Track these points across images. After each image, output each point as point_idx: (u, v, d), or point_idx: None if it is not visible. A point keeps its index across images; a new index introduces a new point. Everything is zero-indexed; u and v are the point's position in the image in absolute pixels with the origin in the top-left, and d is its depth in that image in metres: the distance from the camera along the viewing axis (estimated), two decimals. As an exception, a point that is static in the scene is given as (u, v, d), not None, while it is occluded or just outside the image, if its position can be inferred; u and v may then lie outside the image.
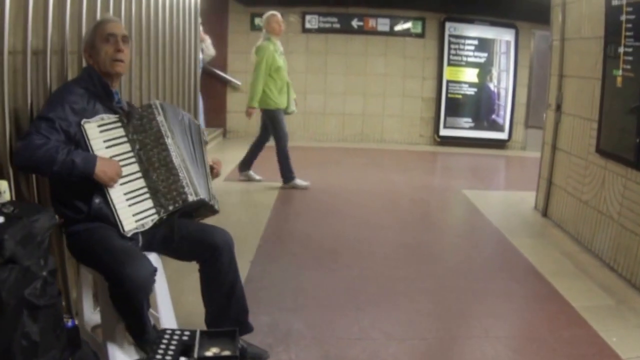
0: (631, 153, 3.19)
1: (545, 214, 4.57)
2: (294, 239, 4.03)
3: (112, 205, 2.01)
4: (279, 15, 5.23)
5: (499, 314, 2.97)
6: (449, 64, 8.10)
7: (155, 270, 1.91)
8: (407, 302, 3.05)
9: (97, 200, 2.00)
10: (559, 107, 4.29)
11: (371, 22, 8.07)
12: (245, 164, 5.57)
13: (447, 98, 8.17)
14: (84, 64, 2.29)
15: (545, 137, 4.62)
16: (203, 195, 2.19)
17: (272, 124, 5.27)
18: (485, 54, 7.99)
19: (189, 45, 4.29)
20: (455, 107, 8.18)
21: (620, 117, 3.32)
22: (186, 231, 2.22)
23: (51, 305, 1.75)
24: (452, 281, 3.35)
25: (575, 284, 3.31)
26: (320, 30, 8.05)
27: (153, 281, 1.90)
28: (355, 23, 8.06)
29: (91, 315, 2.39)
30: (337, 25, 8.05)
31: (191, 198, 2.10)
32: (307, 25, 8.03)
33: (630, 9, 3.13)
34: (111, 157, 2.03)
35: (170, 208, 2.10)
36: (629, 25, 3.15)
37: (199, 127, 2.41)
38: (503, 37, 7.93)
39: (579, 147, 3.96)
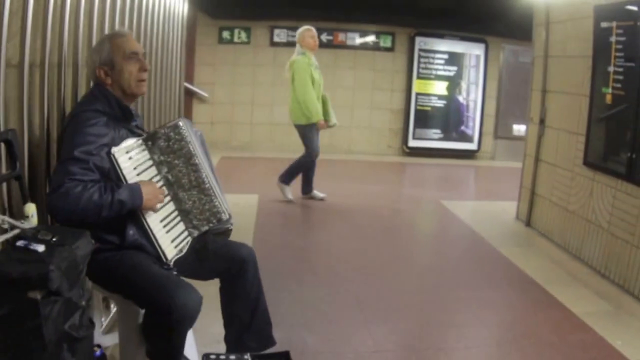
0: (622, 166, 3.35)
1: (528, 223, 4.71)
2: (286, 253, 4.01)
3: (152, 235, 1.92)
4: (313, 30, 5.16)
5: (506, 322, 3.09)
6: (419, 77, 8.27)
7: (202, 298, 1.85)
8: (415, 313, 3.12)
9: (131, 232, 1.90)
10: (542, 121, 4.45)
11: (341, 37, 8.17)
12: (306, 185, 5.45)
13: (416, 110, 8.32)
14: (79, 77, 2.18)
15: (527, 149, 4.78)
16: (230, 212, 2.14)
17: (303, 139, 5.21)
18: (455, 68, 8.21)
19: (177, 56, 4.24)
20: (424, 118, 8.35)
21: (610, 132, 3.47)
22: (213, 249, 2.16)
23: (87, 336, 1.68)
24: (454, 292, 3.44)
25: (571, 291, 3.45)
26: (288, 44, 8.02)
27: (200, 310, 1.84)
28: (324, 37, 8.12)
29: (99, 337, 2.31)
30: (307, 39, 8.08)
31: (224, 217, 2.06)
32: (275, 39, 8.04)
33: (620, 31, 3.30)
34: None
35: (204, 229, 2.05)
36: (619, 47, 3.32)
37: (203, 137, 2.32)
38: (473, 51, 8.18)
39: (565, 159, 4.11)
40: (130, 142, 1.94)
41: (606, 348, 2.76)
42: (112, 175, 1.86)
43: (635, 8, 3.16)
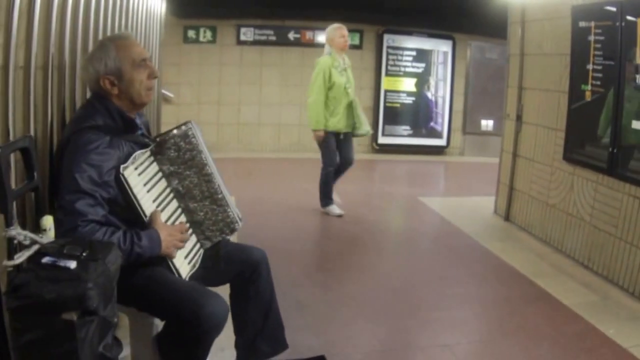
0: (602, 161, 3.49)
1: (507, 218, 4.84)
2: (275, 254, 3.95)
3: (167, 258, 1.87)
4: (344, 28, 4.74)
5: (502, 316, 3.16)
6: (387, 74, 8.34)
7: (228, 305, 1.82)
8: (412, 311, 3.17)
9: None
10: (519, 117, 4.58)
11: (308, 35, 8.14)
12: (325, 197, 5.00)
13: (385, 107, 8.39)
14: (75, 84, 2.02)
15: (504, 145, 4.90)
16: (239, 213, 2.11)
17: (320, 147, 4.84)
18: (423, 64, 8.32)
19: (155, 56, 4.16)
20: (393, 115, 8.43)
21: (589, 127, 3.60)
22: (225, 253, 2.13)
23: (116, 357, 1.63)
24: (446, 288, 3.50)
25: (558, 283, 3.56)
26: (255, 43, 8.00)
27: (227, 318, 1.81)
28: (292, 35, 8.10)
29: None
30: (273, 38, 8.04)
31: (238, 226, 2.03)
32: (242, 38, 7.94)
33: (599, 30, 3.43)
34: (154, 201, 1.84)
35: (217, 239, 2.02)
36: (598, 45, 3.45)
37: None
38: (440, 48, 8.29)
39: (544, 154, 4.24)
40: (137, 155, 1.80)
41: (600, 337, 2.86)
42: (120, 200, 1.74)
43: (613, 9, 3.29)
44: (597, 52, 3.48)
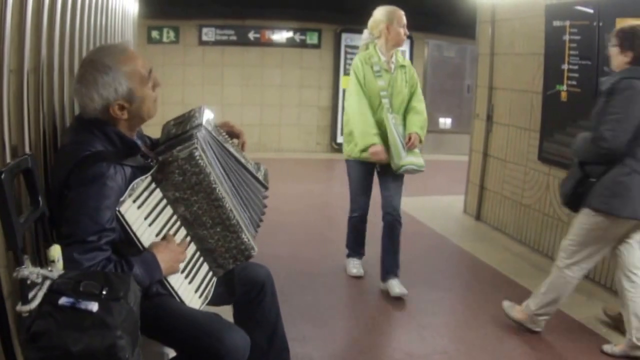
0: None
1: (478, 217, 4.84)
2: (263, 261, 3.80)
3: (173, 292, 1.69)
4: (401, 14, 3.27)
5: (496, 319, 3.07)
6: (346, 74, 8.25)
7: (249, 338, 1.68)
8: (407, 319, 3.11)
9: (154, 289, 1.65)
10: (489, 117, 4.58)
11: (268, 34, 8.04)
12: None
13: (344, 107, 8.28)
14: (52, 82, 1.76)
15: (474, 145, 4.90)
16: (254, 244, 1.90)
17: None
18: (382, 64, 8.28)
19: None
20: (352, 115, 8.36)
21: (568, 128, 3.61)
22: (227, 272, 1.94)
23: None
24: (431, 293, 3.43)
25: (541, 283, 3.54)
26: (217, 43, 7.87)
27: (249, 351, 1.67)
28: (252, 35, 8.00)
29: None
30: (234, 38, 7.93)
31: (254, 252, 1.84)
32: (204, 38, 7.81)
33: (574, 30, 3.44)
34: (158, 233, 1.65)
35: (231, 267, 1.84)
36: (574, 45, 3.46)
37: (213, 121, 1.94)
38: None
39: (517, 155, 4.25)
40: (136, 183, 1.59)
41: (593, 336, 2.89)
42: (122, 237, 1.56)
43: (590, 9, 3.30)
44: (572, 52, 3.49)
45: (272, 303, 2.05)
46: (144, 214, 1.60)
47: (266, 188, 2.02)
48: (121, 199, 1.52)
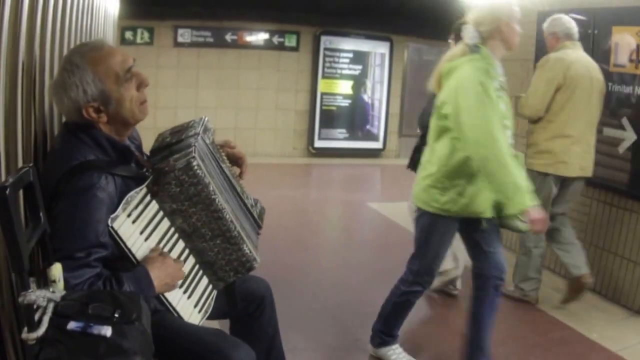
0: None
1: (463, 222, 4.83)
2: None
3: (171, 308, 1.60)
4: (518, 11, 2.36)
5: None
6: (324, 77, 8.24)
7: (255, 355, 1.61)
8: (407, 325, 3.03)
9: (152, 306, 1.54)
10: (476, 123, 4.57)
11: (245, 36, 7.94)
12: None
13: (321, 110, 8.29)
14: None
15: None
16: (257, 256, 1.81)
17: (417, 239, 2.54)
18: (360, 67, 8.29)
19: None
20: (329, 118, 8.35)
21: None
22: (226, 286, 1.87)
23: None
24: (422, 300, 3.38)
25: (532, 289, 3.56)
26: (192, 45, 7.72)
27: None
28: (229, 37, 7.88)
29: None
30: (211, 40, 7.79)
31: (256, 264, 1.76)
32: (180, 39, 7.64)
33: (567, 37, 3.44)
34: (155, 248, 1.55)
35: (232, 279, 1.75)
36: (566, 52, 3.46)
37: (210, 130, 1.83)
38: (378, 49, 8.29)
39: (504, 160, 4.25)
40: (130, 197, 1.48)
41: (586, 341, 2.93)
42: (116, 252, 1.46)
43: (584, 17, 3.32)
44: (565, 60, 3.49)
45: (271, 317, 1.99)
46: (139, 228, 1.49)
47: (260, 227, 1.91)
48: (113, 215, 1.42)
